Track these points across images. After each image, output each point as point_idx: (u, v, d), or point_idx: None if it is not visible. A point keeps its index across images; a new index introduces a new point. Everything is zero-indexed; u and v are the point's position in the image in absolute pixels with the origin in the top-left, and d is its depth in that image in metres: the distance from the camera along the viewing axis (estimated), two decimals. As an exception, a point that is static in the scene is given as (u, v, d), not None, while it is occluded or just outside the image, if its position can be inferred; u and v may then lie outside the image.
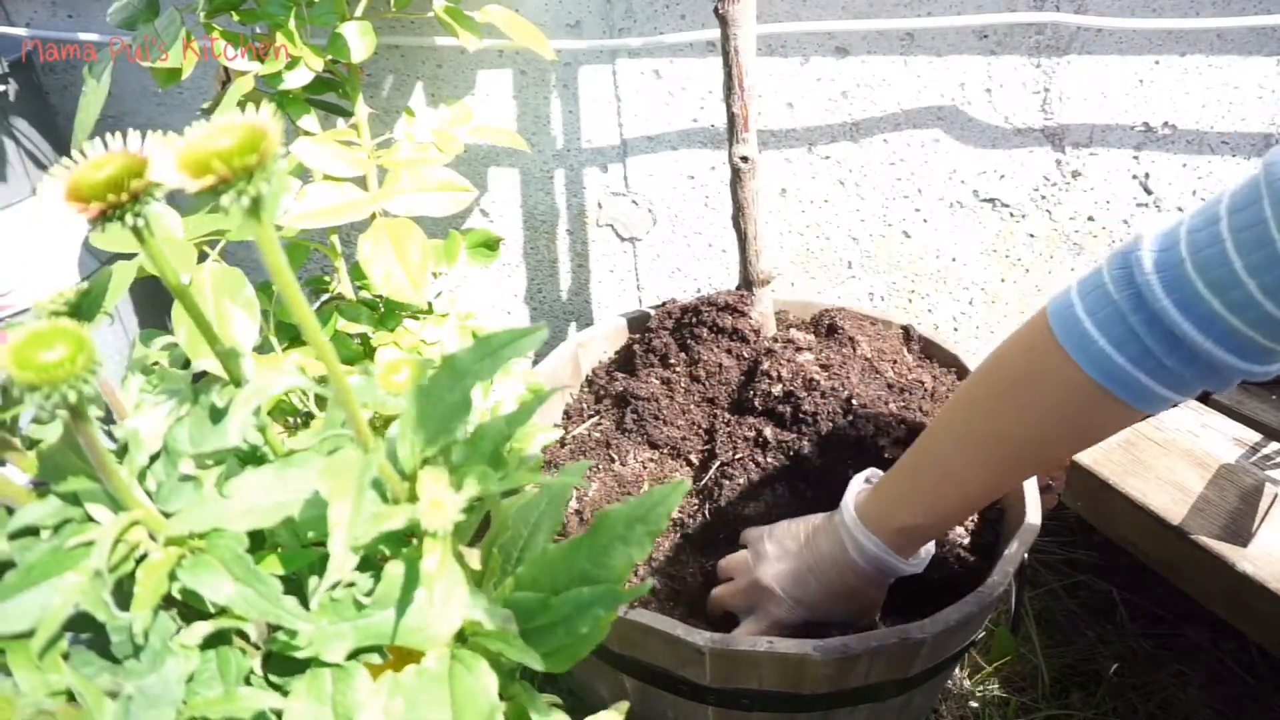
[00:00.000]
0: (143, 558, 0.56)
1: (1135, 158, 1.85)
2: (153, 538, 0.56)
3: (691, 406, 1.65)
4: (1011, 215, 1.95)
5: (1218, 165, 1.82)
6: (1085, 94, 1.80)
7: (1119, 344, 1.01)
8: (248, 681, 0.60)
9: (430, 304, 1.85)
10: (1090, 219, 1.93)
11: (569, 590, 0.64)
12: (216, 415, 0.60)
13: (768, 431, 1.56)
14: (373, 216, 1.62)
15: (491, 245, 1.88)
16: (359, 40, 1.61)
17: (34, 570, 0.54)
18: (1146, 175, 1.86)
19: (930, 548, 1.36)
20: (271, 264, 0.47)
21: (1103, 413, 1.07)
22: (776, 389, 1.58)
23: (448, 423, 0.58)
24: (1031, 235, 1.96)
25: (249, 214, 0.46)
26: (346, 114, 1.80)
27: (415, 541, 0.58)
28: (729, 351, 1.69)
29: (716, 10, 1.51)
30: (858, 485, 1.36)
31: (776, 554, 1.38)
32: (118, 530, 0.54)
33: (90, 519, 0.57)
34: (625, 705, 0.73)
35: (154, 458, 0.60)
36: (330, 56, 1.64)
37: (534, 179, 2.07)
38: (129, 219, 0.50)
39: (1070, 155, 1.86)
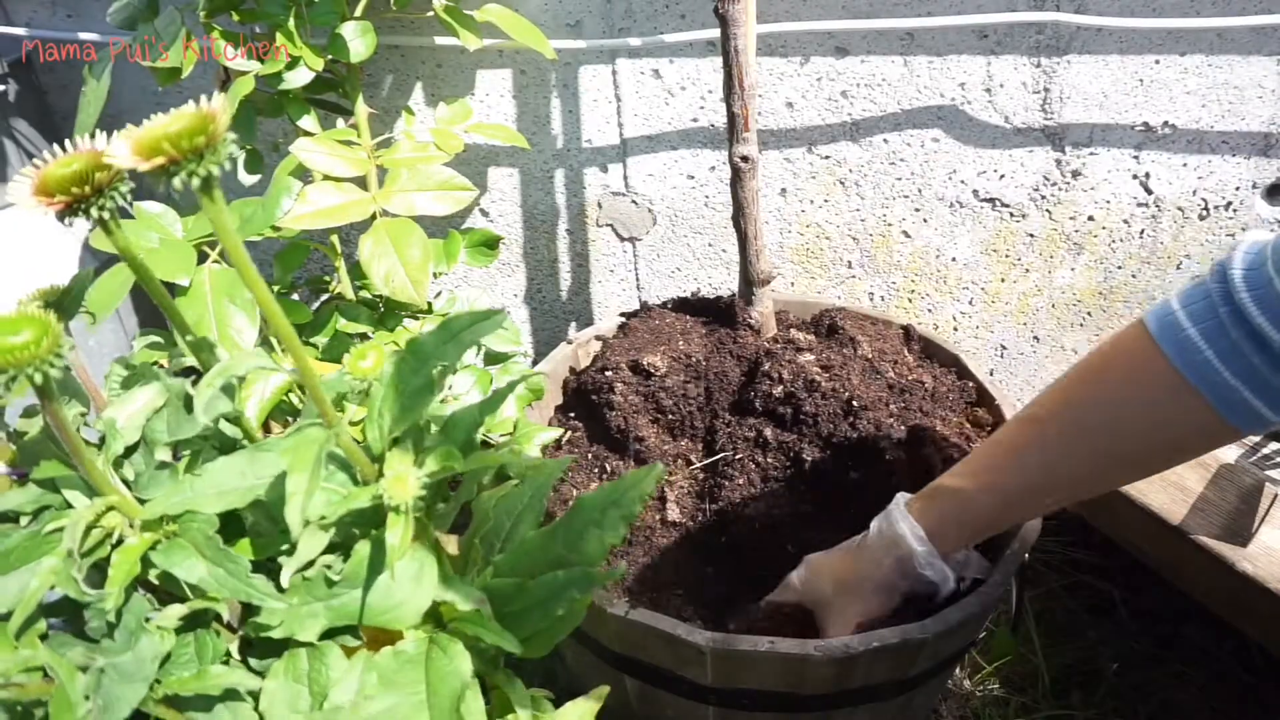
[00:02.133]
0: (119, 542, 0.56)
1: (1135, 158, 1.84)
2: (130, 523, 0.57)
3: (693, 408, 1.65)
4: (1011, 215, 1.95)
5: (1218, 165, 1.82)
6: (1085, 94, 1.80)
7: (1224, 357, 0.99)
8: (225, 664, 0.60)
9: (430, 304, 1.85)
10: (1090, 219, 1.92)
11: (545, 574, 0.65)
12: (191, 404, 0.61)
13: (768, 432, 1.56)
14: (373, 216, 1.63)
15: (491, 245, 1.88)
16: (359, 40, 1.61)
17: (12, 555, 0.55)
18: (1147, 175, 1.86)
19: (955, 571, 1.32)
20: (227, 244, 0.48)
21: (1197, 424, 1.05)
22: (777, 390, 1.58)
23: (413, 405, 0.58)
24: (1031, 235, 1.96)
25: (201, 192, 0.46)
26: (346, 113, 1.80)
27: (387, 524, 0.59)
28: (729, 353, 1.69)
29: (716, 10, 1.51)
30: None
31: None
32: (91, 515, 0.54)
33: (67, 505, 0.57)
34: (604, 690, 0.73)
35: (133, 448, 0.61)
36: (330, 56, 1.64)
37: (534, 179, 2.07)
38: (94, 211, 0.51)
39: (1070, 155, 1.86)
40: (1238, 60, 1.73)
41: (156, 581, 0.57)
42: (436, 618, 0.61)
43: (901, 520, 1.28)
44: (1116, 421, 1.10)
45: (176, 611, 0.56)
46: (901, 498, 1.32)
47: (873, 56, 1.83)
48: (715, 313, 1.84)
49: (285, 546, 0.60)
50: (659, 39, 1.84)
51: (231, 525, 0.59)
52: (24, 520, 0.57)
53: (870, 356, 1.67)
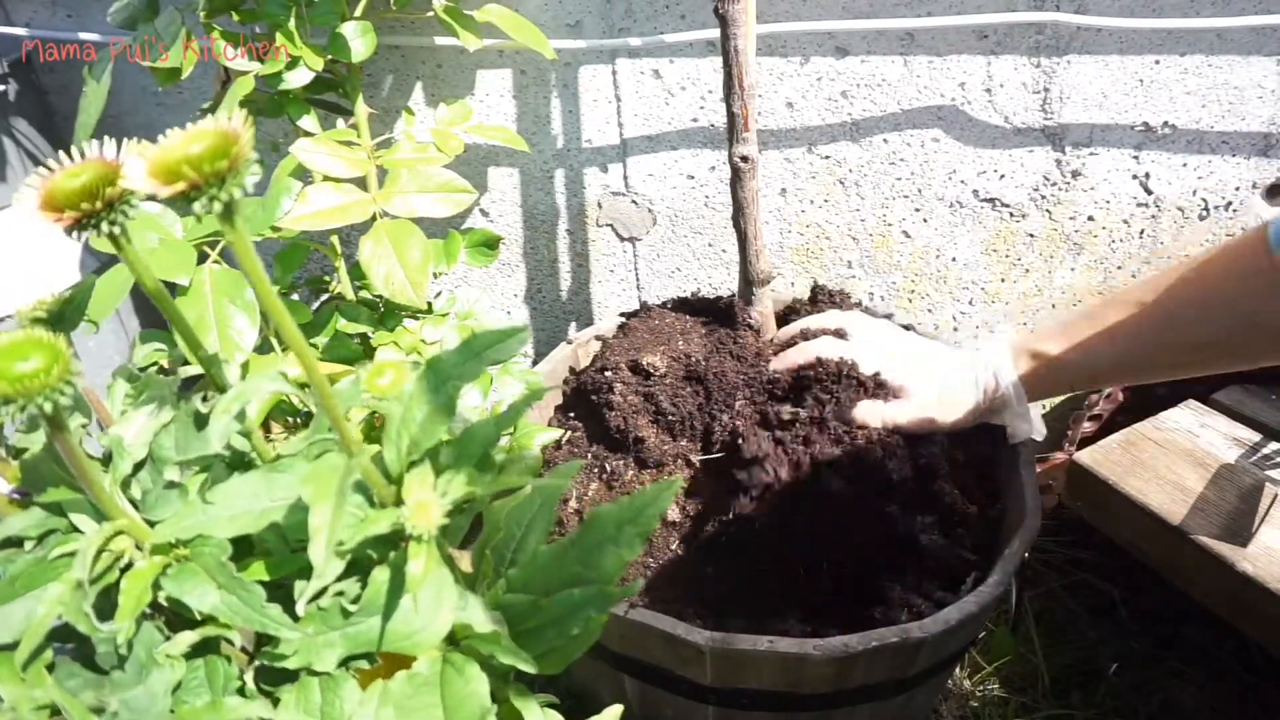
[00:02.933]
0: (128, 567, 0.56)
1: (1135, 158, 1.84)
2: (138, 547, 0.56)
3: (691, 408, 1.65)
4: (1011, 215, 1.94)
5: (1218, 165, 1.82)
6: (1085, 94, 1.80)
7: None
8: (240, 692, 0.59)
9: (430, 304, 1.85)
10: (1090, 219, 1.92)
11: (560, 592, 0.64)
12: (201, 422, 0.60)
13: (767, 434, 1.56)
14: (373, 217, 1.62)
15: (491, 245, 1.88)
16: (359, 40, 1.61)
17: (17, 582, 0.54)
18: (1146, 175, 1.86)
19: (1037, 425, 1.48)
20: (247, 268, 0.47)
21: None
22: (776, 391, 1.58)
23: (433, 426, 0.58)
24: (1031, 235, 1.96)
25: (222, 219, 0.46)
26: (346, 114, 1.80)
27: (403, 545, 0.58)
28: (729, 353, 1.68)
29: (716, 10, 1.51)
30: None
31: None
32: (100, 540, 0.54)
33: (74, 529, 0.57)
34: (619, 709, 0.72)
35: (139, 465, 0.60)
36: (330, 56, 1.64)
37: (534, 179, 2.07)
38: (104, 227, 0.50)
39: (1070, 155, 1.86)
40: (1238, 60, 1.73)
41: (165, 603, 0.57)
42: (449, 636, 0.60)
43: (1012, 388, 1.44)
44: (1210, 310, 1.19)
45: (187, 639, 0.55)
46: (1004, 347, 1.47)
47: (873, 56, 1.83)
48: (715, 313, 1.83)
49: (298, 569, 0.59)
50: (659, 39, 1.83)
51: (241, 544, 0.59)
52: (28, 545, 0.57)
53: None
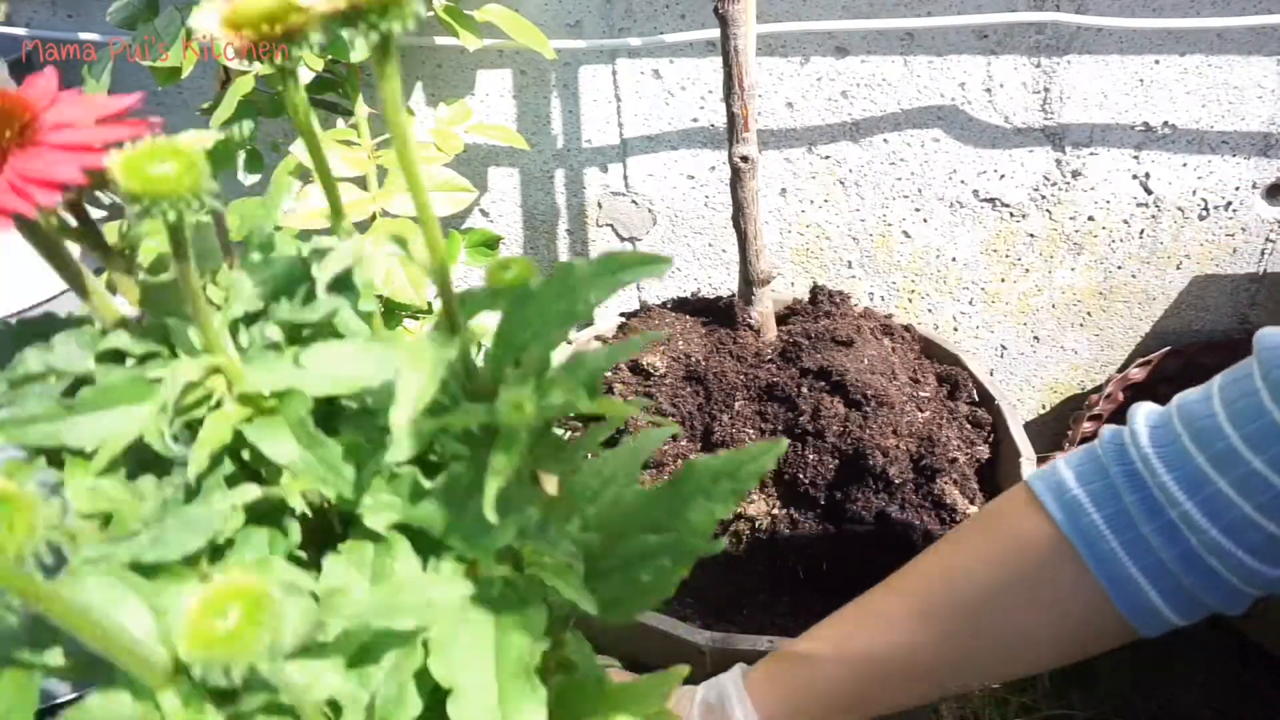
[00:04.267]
0: (217, 406, 0.55)
1: (1135, 158, 1.86)
2: (230, 390, 0.55)
3: (691, 408, 1.65)
4: (1011, 215, 1.96)
5: (1218, 165, 1.84)
6: (1085, 94, 1.81)
7: (1113, 524, 0.84)
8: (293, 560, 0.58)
9: (430, 304, 1.84)
10: (1090, 219, 1.94)
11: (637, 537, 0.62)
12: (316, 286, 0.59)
13: (766, 434, 1.56)
14: (373, 216, 1.62)
15: (491, 245, 1.88)
16: (359, 40, 1.61)
17: (111, 392, 0.53)
18: (1146, 175, 1.87)
19: None
20: (390, 115, 0.46)
21: (1083, 602, 0.87)
22: (775, 390, 1.58)
23: (548, 331, 0.55)
24: (1031, 235, 1.97)
25: (376, 50, 0.45)
26: (346, 113, 1.80)
27: (490, 445, 0.56)
28: (729, 353, 1.69)
29: (716, 10, 1.52)
30: None
31: None
32: (197, 370, 0.53)
33: (176, 356, 0.56)
34: (684, 669, 0.69)
35: (253, 318, 0.59)
36: (330, 56, 1.64)
37: (534, 179, 2.08)
38: (278, 57, 0.49)
39: (1070, 155, 1.87)
40: (1238, 60, 1.74)
41: (244, 457, 0.55)
42: (515, 558, 0.58)
43: (736, 703, 1.01)
44: (993, 590, 0.90)
45: (253, 491, 0.54)
46: (739, 669, 1.06)
47: (873, 56, 1.84)
48: (715, 313, 1.84)
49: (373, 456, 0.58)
50: (659, 39, 1.84)
51: (328, 418, 0.57)
52: (129, 362, 0.56)
53: (869, 356, 1.68)
